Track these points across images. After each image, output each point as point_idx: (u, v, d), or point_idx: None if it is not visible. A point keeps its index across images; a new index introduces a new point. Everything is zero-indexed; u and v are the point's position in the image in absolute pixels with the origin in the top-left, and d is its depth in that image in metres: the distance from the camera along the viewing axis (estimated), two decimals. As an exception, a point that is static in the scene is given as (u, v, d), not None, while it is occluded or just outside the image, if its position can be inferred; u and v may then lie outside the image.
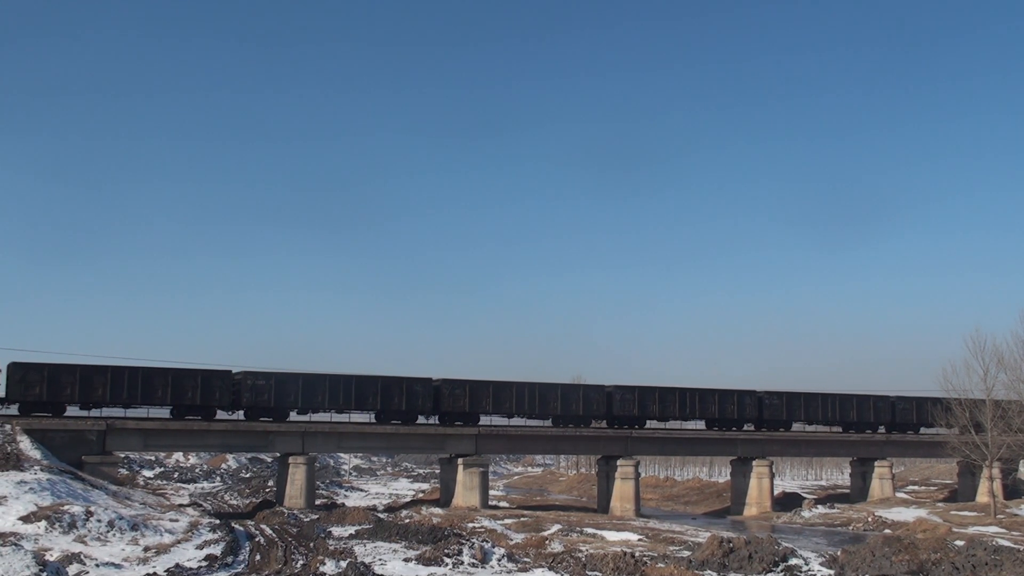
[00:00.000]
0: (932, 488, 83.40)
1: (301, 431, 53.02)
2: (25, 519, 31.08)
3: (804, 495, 74.97)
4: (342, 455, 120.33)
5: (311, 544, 33.43)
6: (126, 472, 67.96)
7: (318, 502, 56.11)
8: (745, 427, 64.78)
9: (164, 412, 51.38)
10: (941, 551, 32.42)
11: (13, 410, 47.63)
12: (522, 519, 47.04)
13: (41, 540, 28.78)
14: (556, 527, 42.98)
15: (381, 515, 47.98)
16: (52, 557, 25.52)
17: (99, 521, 31.65)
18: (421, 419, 56.65)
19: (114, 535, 30.92)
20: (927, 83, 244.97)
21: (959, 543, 36.47)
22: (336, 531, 37.82)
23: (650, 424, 63.13)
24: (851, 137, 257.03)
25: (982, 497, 62.36)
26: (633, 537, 40.37)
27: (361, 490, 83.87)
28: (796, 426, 67.50)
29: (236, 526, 37.93)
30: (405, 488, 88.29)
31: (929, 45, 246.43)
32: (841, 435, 68.73)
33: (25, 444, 42.94)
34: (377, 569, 27.54)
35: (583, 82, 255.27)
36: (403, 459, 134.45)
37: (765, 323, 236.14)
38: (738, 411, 63.93)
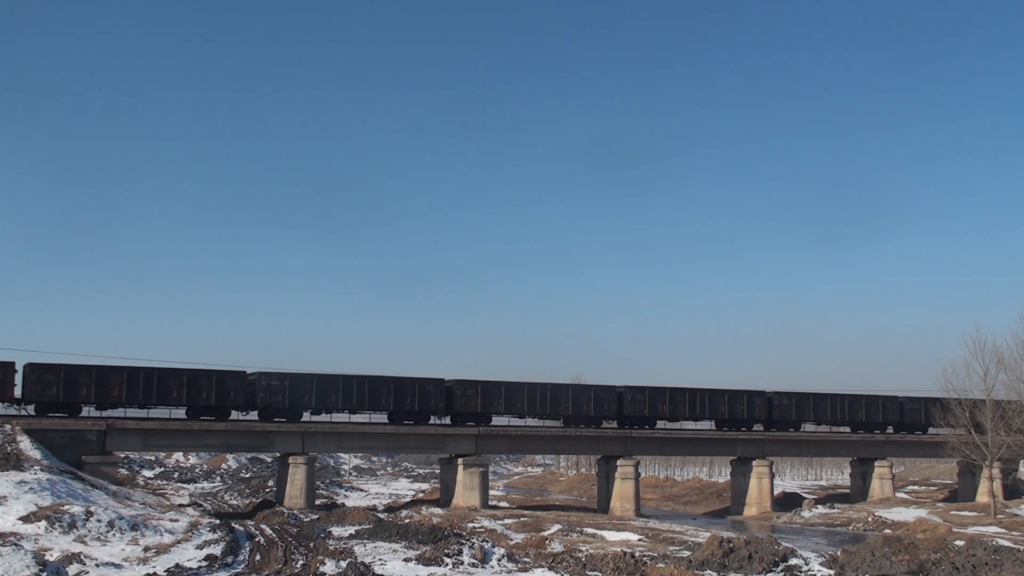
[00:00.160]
0: (932, 488, 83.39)
1: (301, 431, 53.03)
2: (25, 519, 31.09)
3: (804, 495, 74.97)
4: (342, 455, 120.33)
5: (311, 544, 33.43)
6: (126, 472, 67.96)
7: (318, 502, 56.12)
8: (755, 427, 64.97)
9: (179, 412, 51.67)
10: (941, 551, 32.42)
11: (30, 410, 47.82)
12: (522, 519, 47.05)
13: (41, 540, 28.78)
14: (556, 527, 42.98)
15: (381, 515, 48.00)
16: (52, 557, 25.52)
17: (99, 521, 31.65)
18: (433, 419, 56.89)
19: (114, 535, 30.93)
20: (927, 83, 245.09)
21: (959, 543, 36.46)
22: (336, 531, 37.82)
23: (660, 424, 63.41)
24: (851, 137, 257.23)
25: (982, 497, 62.35)
26: (633, 537, 40.37)
27: (361, 490, 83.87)
28: (806, 426, 67.75)
29: (236, 526, 37.93)
30: (405, 488, 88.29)
31: (929, 45, 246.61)
32: (841, 435, 68.75)
33: (25, 444, 42.95)
34: (377, 569, 27.54)
35: (583, 82, 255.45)
36: (403, 459, 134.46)
37: (765, 323, 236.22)
38: (748, 411, 64.14)
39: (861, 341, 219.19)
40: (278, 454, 56.37)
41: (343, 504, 59.21)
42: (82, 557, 26.59)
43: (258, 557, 29.75)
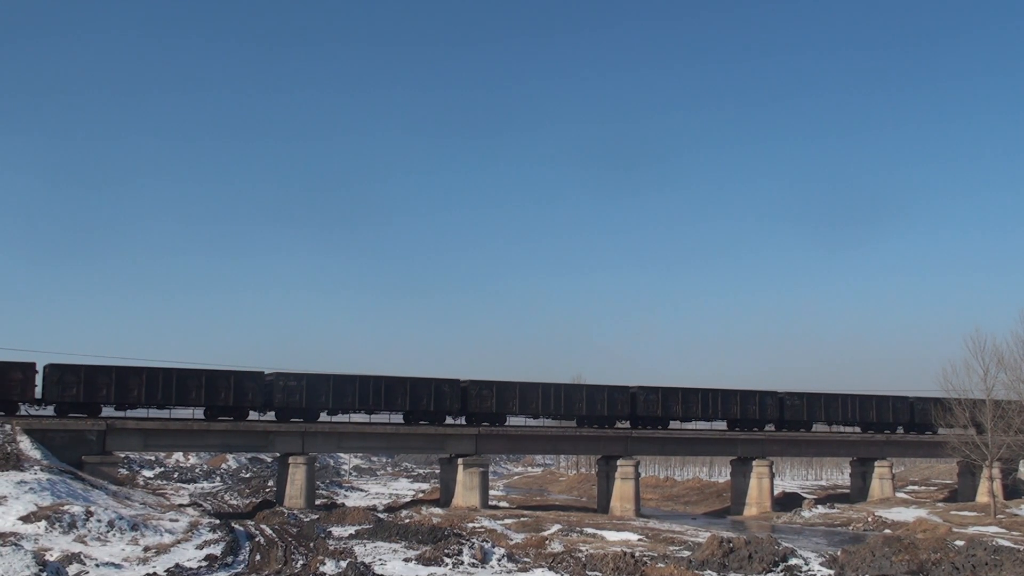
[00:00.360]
0: (932, 488, 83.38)
1: (301, 431, 53.02)
2: (25, 519, 31.08)
3: (804, 495, 74.98)
4: (342, 455, 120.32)
5: (311, 544, 33.43)
6: (126, 472, 67.97)
7: (318, 502, 56.13)
8: (767, 427, 65.16)
9: (198, 413, 51.87)
10: (941, 551, 32.41)
11: (50, 411, 48.02)
12: (522, 519, 47.05)
13: (41, 540, 28.77)
14: (556, 527, 42.97)
15: (381, 515, 48.00)
16: (52, 557, 25.52)
17: (99, 521, 31.64)
18: (449, 419, 57.17)
19: (114, 535, 30.92)
20: (927, 83, 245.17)
21: (959, 543, 36.47)
22: (336, 531, 37.82)
23: (673, 424, 63.58)
24: (851, 137, 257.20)
25: (982, 497, 62.35)
26: (633, 537, 40.37)
27: (361, 490, 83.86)
28: (817, 427, 67.94)
29: (236, 526, 37.92)
30: (405, 488, 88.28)
31: (929, 45, 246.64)
32: (841, 435, 68.74)
33: (25, 444, 42.94)
34: (377, 569, 27.54)
35: (583, 82, 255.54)
36: (403, 459, 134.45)
37: (764, 323, 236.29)
38: (759, 412, 64.35)
39: (861, 341, 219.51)
40: (278, 454, 56.37)
41: (343, 504, 59.21)
42: (82, 557, 26.59)
43: (258, 557, 29.75)
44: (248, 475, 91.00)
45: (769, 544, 33.04)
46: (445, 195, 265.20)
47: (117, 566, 26.45)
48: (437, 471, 76.83)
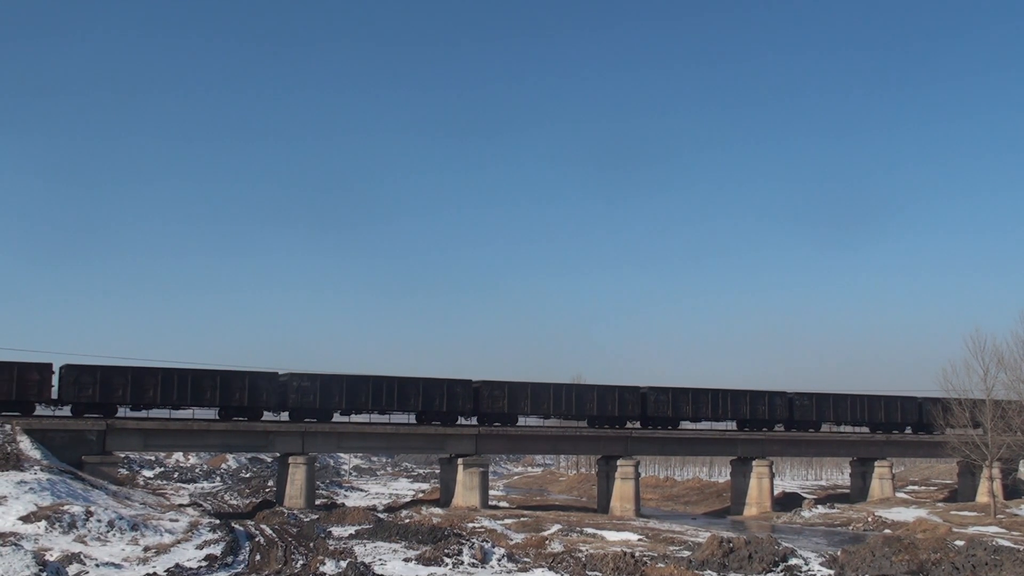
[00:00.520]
0: (932, 488, 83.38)
1: (301, 431, 53.01)
2: (25, 519, 31.09)
3: (804, 495, 74.98)
4: (342, 455, 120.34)
5: (311, 544, 33.44)
6: (126, 472, 67.96)
7: (318, 502, 56.14)
8: (776, 428, 65.34)
9: (211, 413, 52.14)
10: (941, 551, 32.41)
11: (66, 411, 48.18)
12: (522, 519, 47.05)
13: (41, 540, 28.78)
14: (556, 527, 42.98)
15: (381, 515, 48.00)
16: (52, 557, 25.52)
17: (99, 521, 31.65)
18: (461, 420, 57.27)
19: (114, 535, 30.93)
20: (927, 83, 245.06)
21: (959, 543, 36.47)
22: (336, 531, 37.83)
23: (684, 425, 63.84)
24: (851, 137, 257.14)
25: (982, 497, 62.35)
26: (633, 537, 40.38)
27: (361, 490, 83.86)
28: (825, 427, 68.09)
29: (236, 526, 37.92)
30: (405, 488, 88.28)
31: (929, 45, 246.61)
32: (841, 435, 68.79)
33: (25, 444, 42.95)
34: (377, 569, 27.54)
35: (583, 82, 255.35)
36: (403, 459, 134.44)
37: (764, 323, 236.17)
38: (769, 412, 64.54)
39: (860, 341, 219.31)
40: (278, 454, 56.37)
41: (343, 504, 59.21)
42: (82, 557, 26.60)
43: (258, 557, 29.75)
44: (248, 475, 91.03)
45: (769, 544, 33.04)
46: (445, 195, 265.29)
47: (117, 566, 26.46)
48: (437, 471, 76.81)
